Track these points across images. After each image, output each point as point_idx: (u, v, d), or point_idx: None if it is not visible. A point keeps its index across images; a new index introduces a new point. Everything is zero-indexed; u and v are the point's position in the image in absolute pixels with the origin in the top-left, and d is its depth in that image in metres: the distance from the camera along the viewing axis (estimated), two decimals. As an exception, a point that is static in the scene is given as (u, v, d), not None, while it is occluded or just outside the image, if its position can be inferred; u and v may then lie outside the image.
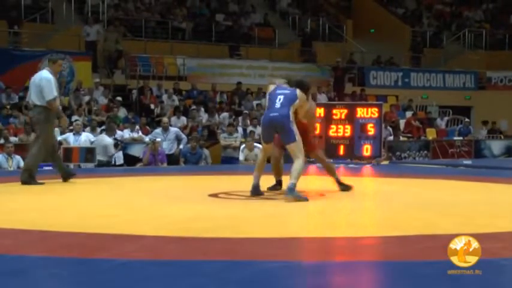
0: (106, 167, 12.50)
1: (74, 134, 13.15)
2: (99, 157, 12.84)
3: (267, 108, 6.95)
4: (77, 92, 16.84)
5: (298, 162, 6.64)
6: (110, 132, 13.64)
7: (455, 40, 26.73)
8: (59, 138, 13.34)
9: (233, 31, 22.54)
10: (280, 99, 6.81)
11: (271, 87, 7.06)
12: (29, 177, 8.14)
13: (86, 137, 13.16)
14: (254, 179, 6.86)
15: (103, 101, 17.02)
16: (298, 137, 6.74)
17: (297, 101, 6.82)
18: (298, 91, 6.91)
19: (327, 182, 8.52)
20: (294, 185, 6.46)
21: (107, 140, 13.27)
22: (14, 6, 19.76)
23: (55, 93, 8.19)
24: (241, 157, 12.90)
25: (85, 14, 20.63)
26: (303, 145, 6.88)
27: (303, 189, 7.00)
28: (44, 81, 8.20)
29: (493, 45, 26.58)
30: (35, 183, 8.12)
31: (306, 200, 6.48)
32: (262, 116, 7.11)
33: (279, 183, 7.43)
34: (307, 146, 7.11)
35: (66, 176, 8.58)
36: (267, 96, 7.06)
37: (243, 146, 13.28)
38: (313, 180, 8.99)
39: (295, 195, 6.42)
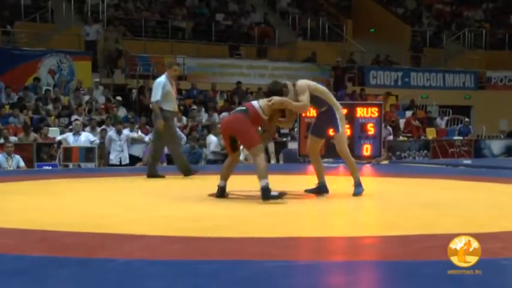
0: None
1: (73, 134, 13.16)
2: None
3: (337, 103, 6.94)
4: (76, 92, 16.84)
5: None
6: (215, 131, 14.37)
7: (455, 40, 26.74)
8: (59, 137, 13.35)
9: (233, 31, 22.55)
10: None
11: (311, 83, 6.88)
12: (154, 170, 9.05)
13: (85, 137, 13.17)
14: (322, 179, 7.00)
15: (103, 100, 17.03)
16: None
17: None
18: None
19: (326, 182, 8.51)
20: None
21: (212, 138, 14.15)
22: (13, 6, 19.76)
23: (157, 97, 8.97)
24: (241, 157, 12.88)
25: (85, 14, 20.65)
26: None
27: (303, 189, 7.01)
28: (155, 84, 9.24)
29: (493, 45, 26.58)
30: (158, 176, 9.01)
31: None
32: (341, 110, 6.94)
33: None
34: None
35: (187, 172, 9.22)
36: (327, 92, 6.93)
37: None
38: (314, 180, 8.98)
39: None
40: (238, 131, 6.39)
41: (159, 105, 8.98)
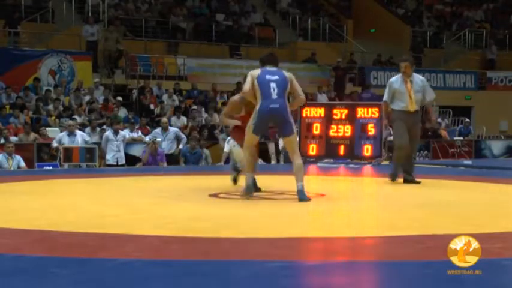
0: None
1: (68, 134, 12.98)
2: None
3: (263, 98, 6.45)
4: (77, 92, 16.85)
5: (299, 160, 6.55)
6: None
7: (455, 40, 26.74)
8: (54, 144, 13.18)
9: (233, 31, 22.55)
10: (274, 89, 6.43)
11: (257, 71, 6.61)
12: (408, 176, 8.51)
13: (81, 137, 13.04)
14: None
15: (103, 100, 17.04)
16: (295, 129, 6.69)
17: (288, 85, 6.53)
18: (286, 73, 6.59)
19: (326, 182, 8.53)
20: (303, 186, 6.41)
21: None
22: (14, 6, 19.76)
23: (385, 97, 8.71)
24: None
25: (85, 14, 20.65)
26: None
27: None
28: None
29: (493, 45, 26.57)
30: (414, 181, 8.44)
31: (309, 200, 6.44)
32: (258, 106, 6.51)
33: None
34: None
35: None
36: (256, 82, 6.53)
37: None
38: (312, 180, 9.00)
39: (306, 198, 6.38)
40: None
41: (387, 104, 8.71)
